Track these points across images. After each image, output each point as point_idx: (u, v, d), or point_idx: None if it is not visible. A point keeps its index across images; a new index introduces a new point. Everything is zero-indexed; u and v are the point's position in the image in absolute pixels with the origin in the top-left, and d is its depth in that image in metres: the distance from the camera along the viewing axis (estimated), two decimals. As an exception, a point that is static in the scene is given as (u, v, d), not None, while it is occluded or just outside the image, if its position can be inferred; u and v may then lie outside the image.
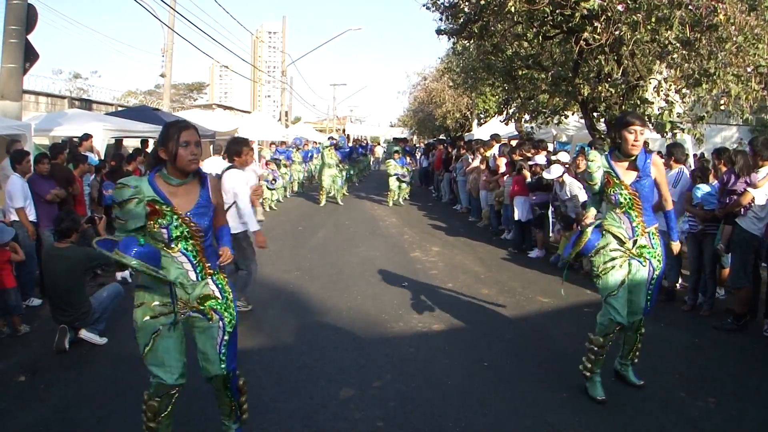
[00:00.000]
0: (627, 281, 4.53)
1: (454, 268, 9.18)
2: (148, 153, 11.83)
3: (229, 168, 6.55)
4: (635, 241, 4.52)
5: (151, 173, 3.34)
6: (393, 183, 17.12)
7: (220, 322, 3.47)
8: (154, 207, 3.24)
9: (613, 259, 4.52)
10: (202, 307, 3.42)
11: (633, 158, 4.45)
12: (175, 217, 3.27)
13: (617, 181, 4.47)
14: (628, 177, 4.47)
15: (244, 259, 6.68)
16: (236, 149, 6.64)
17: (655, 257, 4.57)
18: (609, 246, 4.55)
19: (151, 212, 3.23)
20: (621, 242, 4.53)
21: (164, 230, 3.27)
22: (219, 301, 3.46)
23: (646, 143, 4.63)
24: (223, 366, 3.50)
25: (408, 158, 19.15)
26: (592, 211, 4.78)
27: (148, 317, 3.33)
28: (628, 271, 4.54)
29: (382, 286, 7.96)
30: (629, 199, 4.47)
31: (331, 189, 17.30)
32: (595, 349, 4.55)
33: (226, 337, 3.49)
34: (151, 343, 3.34)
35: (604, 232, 4.62)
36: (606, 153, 4.63)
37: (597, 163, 4.51)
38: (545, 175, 9.68)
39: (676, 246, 4.85)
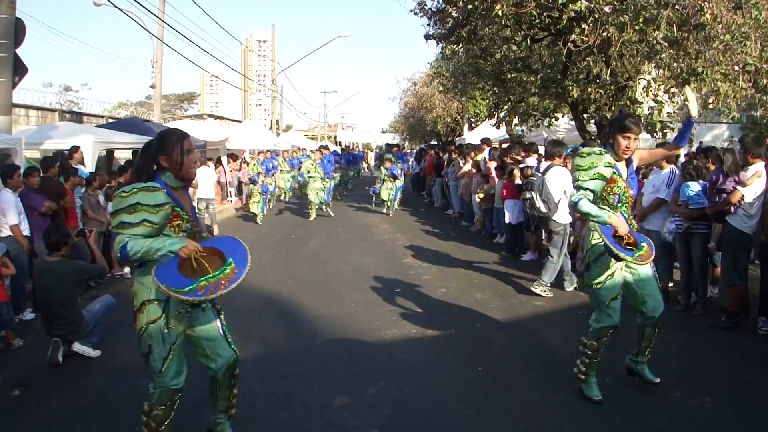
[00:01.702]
0: (633, 282, 4.53)
1: (448, 273, 9.17)
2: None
3: (549, 167, 7.31)
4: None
5: (158, 180, 3.38)
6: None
7: (213, 309, 3.61)
8: (175, 211, 3.36)
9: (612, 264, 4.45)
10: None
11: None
12: (187, 219, 3.42)
13: (620, 179, 4.42)
14: (624, 174, 4.49)
15: (555, 248, 7.60)
16: (559, 151, 7.51)
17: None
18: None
19: (174, 216, 3.36)
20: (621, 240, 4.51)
21: (185, 233, 3.41)
22: None
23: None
24: (232, 347, 3.64)
25: (399, 165, 18.92)
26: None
27: (167, 330, 3.37)
28: (631, 273, 4.54)
29: (376, 293, 7.95)
30: (626, 196, 4.48)
31: (319, 203, 16.40)
32: (590, 353, 4.54)
33: (224, 320, 3.65)
34: (170, 354, 3.39)
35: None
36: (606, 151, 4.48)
37: (607, 159, 4.33)
38: (537, 177, 9.69)
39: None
